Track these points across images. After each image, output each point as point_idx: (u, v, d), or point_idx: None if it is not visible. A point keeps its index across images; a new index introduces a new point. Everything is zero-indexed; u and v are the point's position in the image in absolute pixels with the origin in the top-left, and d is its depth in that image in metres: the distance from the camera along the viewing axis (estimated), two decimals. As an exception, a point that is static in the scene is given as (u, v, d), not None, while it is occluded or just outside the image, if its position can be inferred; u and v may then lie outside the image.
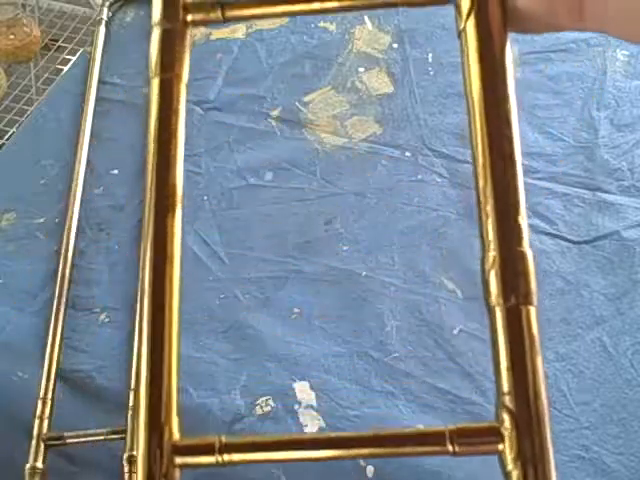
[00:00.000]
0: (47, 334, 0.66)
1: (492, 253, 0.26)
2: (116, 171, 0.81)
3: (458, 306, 0.68)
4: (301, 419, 0.61)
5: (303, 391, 0.63)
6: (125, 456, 0.59)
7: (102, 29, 0.96)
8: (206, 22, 0.29)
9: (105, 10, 0.98)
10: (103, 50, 0.93)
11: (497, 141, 0.27)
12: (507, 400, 0.24)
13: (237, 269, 0.71)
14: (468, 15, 0.28)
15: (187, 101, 0.94)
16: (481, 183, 0.27)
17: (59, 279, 0.70)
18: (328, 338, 0.66)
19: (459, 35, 0.28)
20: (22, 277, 0.71)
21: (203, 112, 0.86)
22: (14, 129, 1.19)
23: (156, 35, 0.29)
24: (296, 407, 0.62)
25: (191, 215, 0.76)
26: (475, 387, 0.63)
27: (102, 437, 0.61)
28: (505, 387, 0.24)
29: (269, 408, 0.61)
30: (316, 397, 0.62)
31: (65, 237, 0.73)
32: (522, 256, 0.25)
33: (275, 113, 0.86)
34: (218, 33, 0.96)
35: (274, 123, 0.85)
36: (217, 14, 0.29)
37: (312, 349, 0.66)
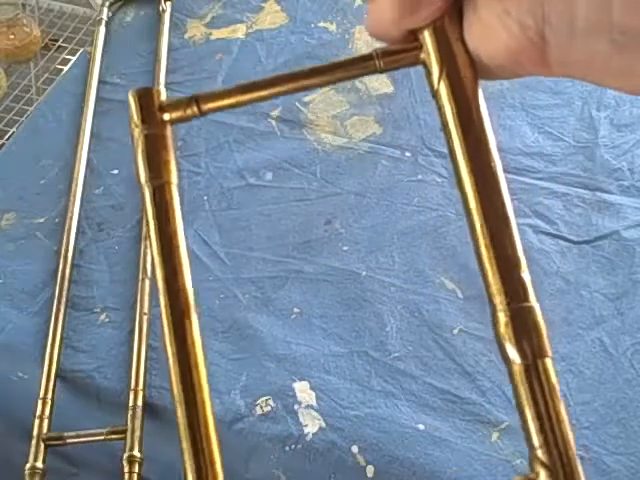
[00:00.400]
0: (47, 334, 0.66)
1: (501, 312, 0.26)
2: (116, 171, 0.81)
3: (458, 306, 0.68)
4: (301, 419, 0.61)
5: (303, 391, 0.63)
6: (125, 456, 0.59)
7: (102, 29, 0.96)
8: (184, 119, 0.29)
9: (105, 10, 0.98)
10: (103, 50, 0.93)
11: (488, 201, 0.27)
12: (540, 454, 0.25)
13: (237, 269, 0.71)
14: (439, 78, 0.28)
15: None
16: (478, 244, 0.27)
17: (59, 279, 0.70)
18: (328, 338, 0.66)
19: (433, 96, 0.28)
20: (22, 277, 0.71)
21: (203, 112, 0.86)
22: (14, 129, 1.19)
23: (138, 142, 0.29)
24: (296, 407, 0.62)
25: (191, 215, 0.76)
26: (475, 387, 0.63)
27: (102, 437, 0.61)
28: (535, 441, 0.25)
29: (269, 408, 0.61)
30: (316, 397, 0.62)
31: (65, 237, 0.73)
32: (530, 311, 0.26)
33: (275, 113, 0.86)
34: (218, 33, 0.96)
35: (274, 123, 0.85)
36: (194, 109, 0.29)
37: (312, 349, 0.66)
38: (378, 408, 0.62)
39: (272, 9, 0.99)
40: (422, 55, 0.29)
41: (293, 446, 0.60)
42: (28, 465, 0.59)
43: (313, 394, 0.63)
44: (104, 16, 0.97)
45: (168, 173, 0.29)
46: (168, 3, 0.98)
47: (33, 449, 0.60)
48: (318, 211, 0.76)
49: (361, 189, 0.78)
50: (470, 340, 0.66)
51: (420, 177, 0.79)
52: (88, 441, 0.61)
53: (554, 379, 0.26)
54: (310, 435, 0.60)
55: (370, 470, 0.58)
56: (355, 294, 0.69)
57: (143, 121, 0.29)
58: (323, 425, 0.61)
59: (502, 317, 0.26)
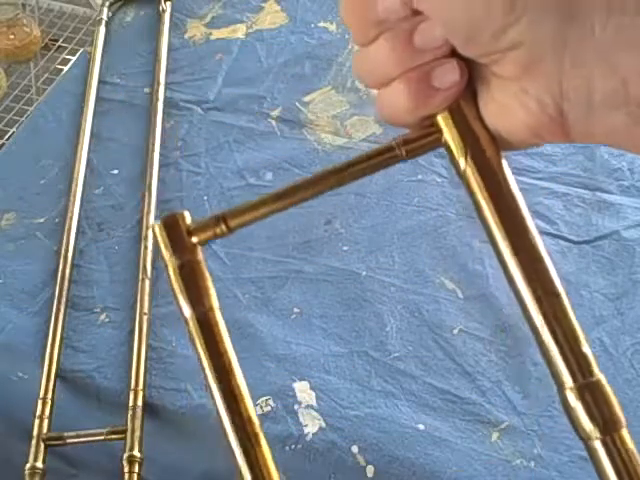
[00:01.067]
0: (47, 334, 0.66)
1: (568, 391, 0.26)
2: (116, 171, 0.81)
3: (458, 306, 0.68)
4: (301, 419, 0.61)
5: (303, 391, 0.63)
6: (125, 456, 0.59)
7: (102, 29, 0.96)
8: (213, 238, 0.29)
9: (105, 10, 0.98)
10: (103, 50, 0.93)
11: (537, 281, 0.27)
12: None
13: (237, 269, 0.71)
14: (465, 161, 0.28)
15: (187, 101, 0.94)
16: (534, 323, 0.27)
17: (59, 279, 0.70)
18: (328, 338, 0.66)
19: (460, 177, 0.28)
20: (22, 277, 0.71)
21: (203, 112, 0.86)
22: (14, 129, 1.19)
23: (173, 273, 0.28)
24: (296, 407, 0.62)
25: (191, 215, 0.76)
26: (475, 387, 0.63)
27: (102, 437, 0.61)
28: None
29: (269, 408, 0.61)
30: (316, 397, 0.62)
31: (65, 237, 0.73)
32: (598, 384, 0.26)
33: (275, 113, 0.86)
34: (218, 33, 0.96)
35: (274, 123, 0.85)
36: (222, 228, 0.29)
37: (312, 349, 0.66)
38: (378, 408, 0.62)
39: (272, 9, 0.99)
40: (443, 138, 0.29)
41: (293, 446, 0.60)
42: (28, 465, 0.59)
43: (313, 394, 0.63)
44: (104, 16, 0.97)
45: (209, 299, 0.28)
46: (168, 3, 0.98)
47: (33, 449, 0.60)
48: (318, 211, 0.76)
49: (361, 189, 0.78)
50: (470, 340, 0.66)
51: (420, 177, 0.79)
52: (88, 441, 0.61)
53: (633, 448, 0.26)
54: (310, 435, 0.60)
55: (370, 470, 0.58)
56: (355, 294, 0.69)
57: (174, 251, 0.28)
58: (323, 425, 0.61)
59: (571, 396, 0.26)
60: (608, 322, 0.67)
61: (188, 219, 0.29)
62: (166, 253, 0.28)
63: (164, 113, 0.85)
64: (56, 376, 0.64)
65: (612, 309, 0.68)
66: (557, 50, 0.25)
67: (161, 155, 0.81)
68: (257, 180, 0.79)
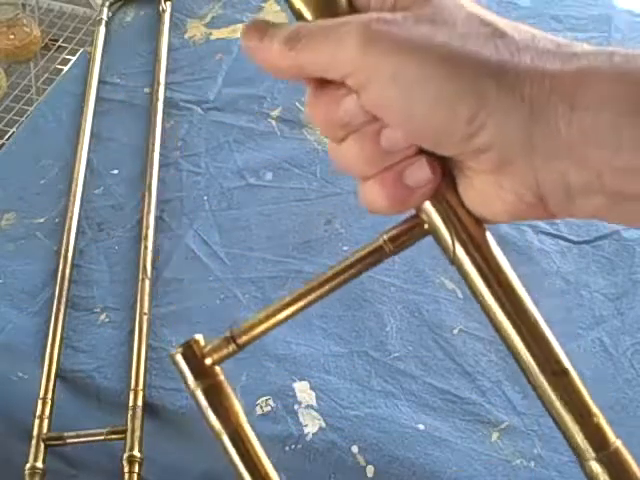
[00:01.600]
0: (47, 334, 0.66)
1: (589, 462, 0.27)
2: (116, 171, 0.81)
3: (458, 306, 0.68)
4: (301, 419, 0.61)
5: (303, 391, 0.63)
6: (125, 456, 0.59)
7: (102, 29, 0.96)
8: (226, 358, 0.30)
9: (105, 10, 0.98)
10: (103, 50, 0.93)
11: (542, 356, 0.27)
12: None
13: (237, 269, 0.71)
14: (454, 248, 0.28)
15: (187, 101, 0.94)
16: (549, 403, 0.27)
17: (59, 279, 0.70)
18: (328, 338, 0.66)
19: (452, 263, 0.29)
20: (22, 277, 0.71)
21: (203, 112, 0.86)
22: (14, 129, 1.19)
23: (199, 398, 0.30)
24: (296, 407, 0.62)
25: (191, 215, 0.76)
26: (475, 387, 0.63)
27: (102, 437, 0.61)
28: None
29: (269, 408, 0.61)
30: (316, 397, 0.62)
31: (65, 237, 0.73)
32: (617, 453, 0.27)
33: (275, 113, 0.86)
34: (218, 33, 0.96)
35: (274, 123, 0.85)
36: (233, 346, 0.31)
37: (312, 349, 0.66)
38: (378, 408, 0.62)
39: (272, 9, 0.99)
40: (427, 227, 0.29)
41: (293, 446, 0.59)
42: (28, 465, 0.59)
43: (313, 394, 0.63)
44: (104, 16, 0.97)
45: (236, 416, 0.30)
46: (168, 3, 0.98)
47: (33, 449, 0.60)
48: (318, 211, 0.76)
49: (361, 189, 0.78)
50: (470, 340, 0.66)
51: (420, 177, 0.79)
52: (88, 441, 0.61)
53: None
54: (310, 435, 0.60)
55: (370, 470, 0.58)
56: (355, 294, 0.69)
57: (196, 377, 0.30)
58: (323, 425, 0.61)
59: (593, 467, 0.27)
60: (608, 322, 0.67)
61: (202, 342, 0.31)
62: (190, 380, 0.30)
63: (164, 113, 0.85)
64: (56, 376, 0.64)
65: (612, 309, 0.68)
66: (526, 149, 0.25)
67: (161, 155, 0.81)
68: (257, 180, 0.79)
